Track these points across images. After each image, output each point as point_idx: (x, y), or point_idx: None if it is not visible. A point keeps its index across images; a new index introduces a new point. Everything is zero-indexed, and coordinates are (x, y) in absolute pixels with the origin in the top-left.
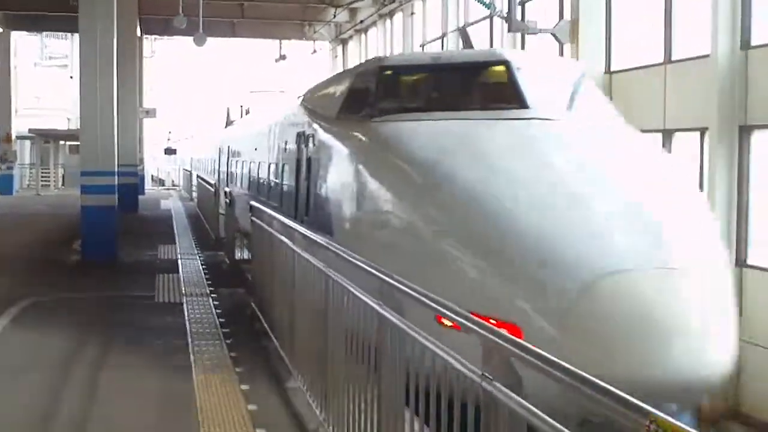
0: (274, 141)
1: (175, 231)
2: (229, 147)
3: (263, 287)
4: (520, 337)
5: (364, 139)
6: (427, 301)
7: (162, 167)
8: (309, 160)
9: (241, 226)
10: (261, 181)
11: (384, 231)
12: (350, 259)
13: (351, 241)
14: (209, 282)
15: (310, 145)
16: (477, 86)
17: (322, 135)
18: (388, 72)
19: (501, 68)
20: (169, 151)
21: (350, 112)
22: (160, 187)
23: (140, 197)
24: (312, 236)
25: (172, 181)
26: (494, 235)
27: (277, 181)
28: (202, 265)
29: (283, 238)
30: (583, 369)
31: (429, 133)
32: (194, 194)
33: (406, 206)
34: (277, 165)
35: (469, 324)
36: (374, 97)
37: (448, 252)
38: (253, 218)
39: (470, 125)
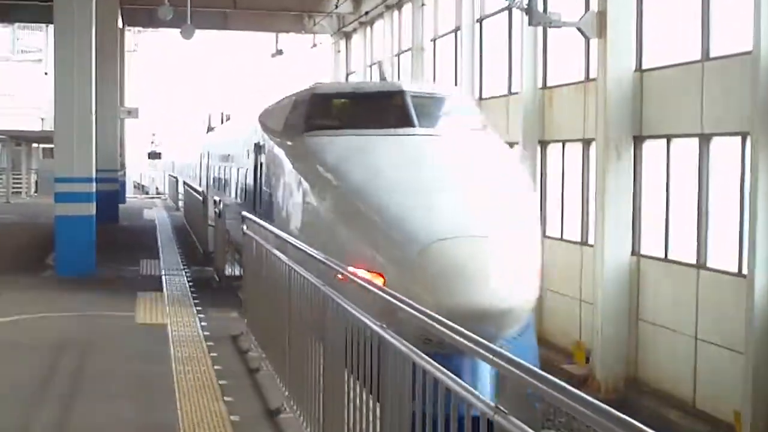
0: (239, 149)
1: (160, 244)
2: (209, 153)
3: (256, 308)
4: (384, 283)
5: (296, 148)
6: (330, 264)
7: (146, 173)
8: (261, 164)
9: (233, 238)
10: (230, 182)
11: (305, 214)
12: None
13: (284, 224)
14: (197, 301)
15: (262, 153)
16: (381, 110)
17: (269, 145)
18: (318, 98)
19: (398, 97)
20: (154, 156)
21: (290, 128)
22: (144, 195)
23: (121, 206)
24: (303, 248)
25: (157, 189)
26: (373, 214)
27: (242, 182)
28: (188, 282)
29: (277, 252)
30: (427, 302)
31: (343, 144)
32: (181, 203)
33: (319, 195)
34: (240, 169)
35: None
36: (307, 117)
37: (343, 226)
38: (246, 231)
39: (372, 139)
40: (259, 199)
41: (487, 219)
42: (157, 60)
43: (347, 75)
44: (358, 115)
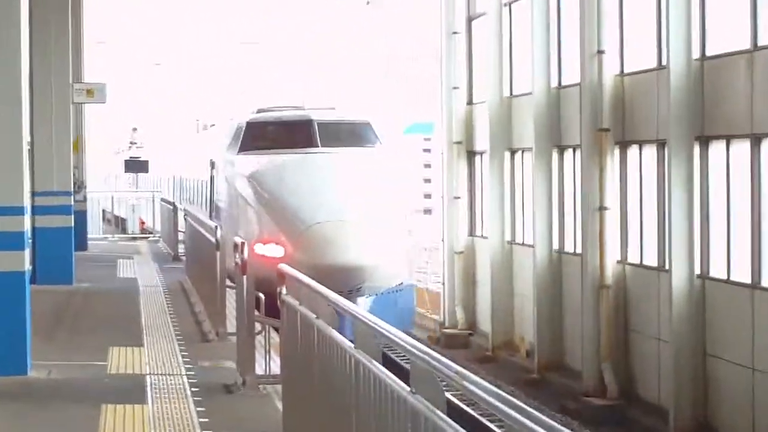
0: (202, 163)
1: (144, 321)
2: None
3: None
4: (284, 251)
5: (233, 164)
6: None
7: (123, 197)
8: (212, 177)
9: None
10: (196, 193)
11: (234, 210)
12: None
13: (224, 220)
14: (204, 420)
15: (212, 168)
16: (295, 135)
17: (216, 161)
18: (252, 125)
19: (307, 124)
20: (134, 166)
21: (230, 148)
22: (119, 236)
23: (79, 255)
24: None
25: (142, 224)
26: (279, 206)
27: (202, 191)
28: (192, 388)
29: (334, 334)
30: (308, 262)
31: (264, 160)
32: (183, 249)
33: (245, 195)
34: (203, 181)
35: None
36: (242, 139)
37: (260, 215)
38: (284, 296)
39: (286, 156)
40: (210, 204)
41: (351, 210)
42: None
43: (469, 19)
44: (278, 139)
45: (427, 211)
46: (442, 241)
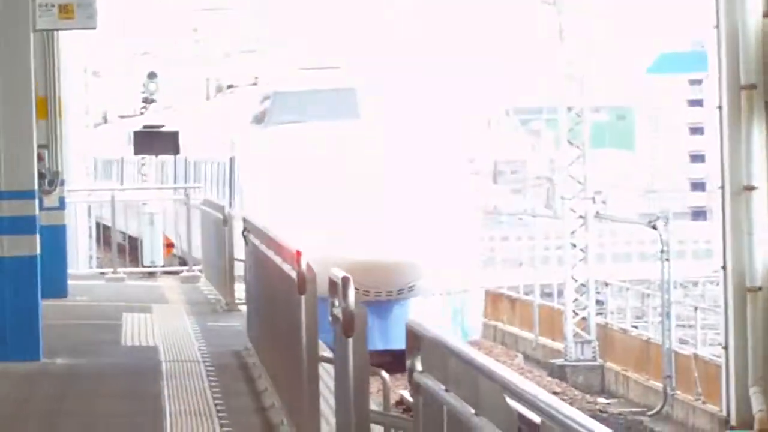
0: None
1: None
2: None
3: None
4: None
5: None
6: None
7: (133, 198)
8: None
9: None
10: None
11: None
12: None
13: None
14: None
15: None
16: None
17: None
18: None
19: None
20: (152, 143)
21: None
22: (128, 270)
23: (51, 306)
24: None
25: (168, 248)
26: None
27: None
28: None
29: None
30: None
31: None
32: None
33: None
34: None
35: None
36: None
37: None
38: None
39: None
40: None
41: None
42: None
43: None
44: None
45: (697, 213)
46: (723, 268)
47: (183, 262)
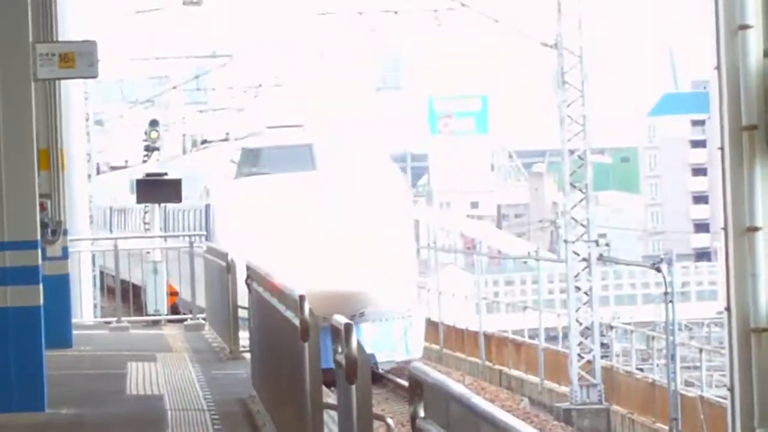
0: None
1: None
2: None
3: None
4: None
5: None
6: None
7: (136, 247)
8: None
9: None
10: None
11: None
12: None
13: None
14: None
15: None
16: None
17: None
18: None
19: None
20: (154, 191)
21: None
22: (130, 318)
23: (55, 357)
24: None
25: (172, 297)
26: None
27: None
28: None
29: None
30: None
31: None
32: (248, 342)
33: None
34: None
35: None
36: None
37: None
38: None
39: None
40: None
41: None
42: None
43: None
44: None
45: (701, 254)
46: (727, 309)
47: (186, 311)
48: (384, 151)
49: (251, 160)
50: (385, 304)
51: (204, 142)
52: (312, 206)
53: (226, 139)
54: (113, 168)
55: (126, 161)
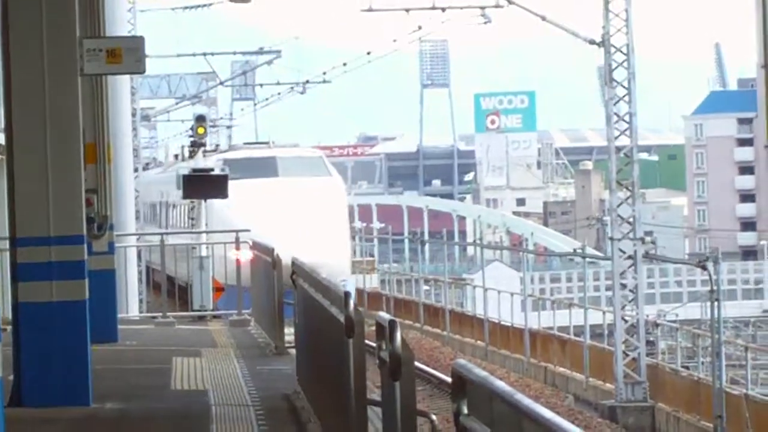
0: None
1: None
2: None
3: None
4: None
5: None
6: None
7: (182, 242)
8: None
9: None
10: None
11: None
12: None
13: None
14: None
15: None
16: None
17: None
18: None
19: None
20: (201, 187)
21: None
22: (176, 313)
23: (101, 352)
24: None
25: (218, 291)
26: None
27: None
28: None
29: None
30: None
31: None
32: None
33: None
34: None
35: None
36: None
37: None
38: None
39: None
40: None
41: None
42: None
43: None
44: None
45: (747, 253)
46: None
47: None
48: (325, 158)
49: (235, 168)
50: (334, 273)
51: (205, 151)
52: (275, 202)
53: (215, 150)
54: (159, 164)
55: (176, 156)
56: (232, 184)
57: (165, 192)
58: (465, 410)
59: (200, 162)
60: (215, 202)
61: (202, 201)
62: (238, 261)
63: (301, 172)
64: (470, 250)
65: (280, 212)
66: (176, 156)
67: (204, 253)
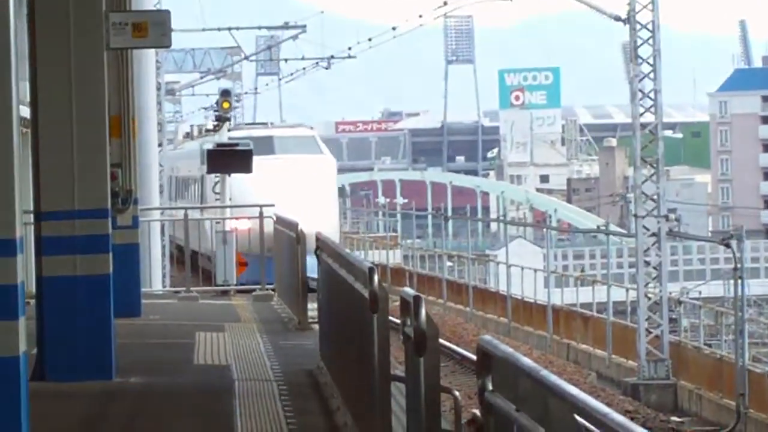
0: None
1: None
2: None
3: None
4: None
5: None
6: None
7: (206, 217)
8: None
9: None
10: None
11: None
12: None
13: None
14: None
15: None
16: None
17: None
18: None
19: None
20: (226, 161)
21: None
22: (199, 288)
23: (125, 325)
24: None
25: (241, 266)
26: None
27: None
28: None
29: None
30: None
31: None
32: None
33: None
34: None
35: None
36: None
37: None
38: None
39: None
40: None
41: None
42: None
43: None
44: None
45: None
46: None
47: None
48: (318, 137)
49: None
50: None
51: (208, 130)
52: (271, 177)
53: (217, 130)
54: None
55: (186, 134)
56: None
57: (175, 167)
58: (490, 386)
59: (224, 137)
60: (227, 178)
61: (226, 176)
62: (234, 229)
63: (296, 150)
64: (493, 226)
65: (276, 186)
66: (186, 134)
67: (227, 228)
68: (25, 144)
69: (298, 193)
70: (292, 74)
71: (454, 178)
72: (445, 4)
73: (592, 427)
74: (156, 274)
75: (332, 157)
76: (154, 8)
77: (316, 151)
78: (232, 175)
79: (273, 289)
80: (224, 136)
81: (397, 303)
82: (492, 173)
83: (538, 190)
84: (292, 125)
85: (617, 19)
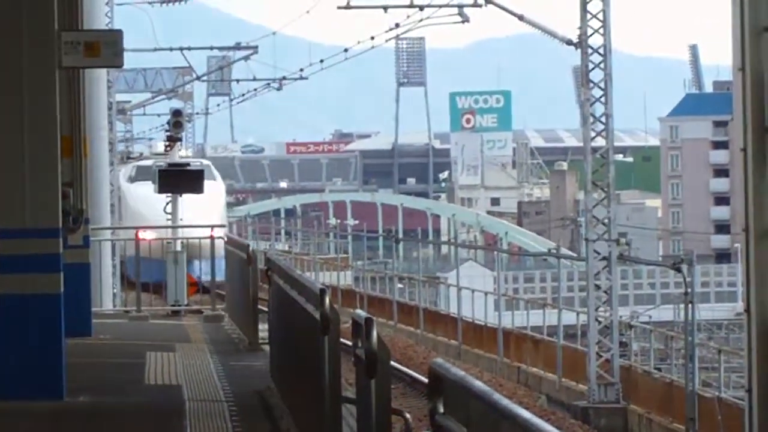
0: None
1: None
2: None
3: None
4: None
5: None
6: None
7: (157, 236)
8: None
9: None
10: None
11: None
12: None
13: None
14: None
15: None
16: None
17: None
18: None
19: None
20: (176, 182)
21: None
22: (150, 307)
23: (75, 346)
24: None
25: (192, 287)
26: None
27: None
28: None
29: None
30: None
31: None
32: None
33: None
34: None
35: None
36: None
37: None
38: None
39: None
40: None
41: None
42: None
43: None
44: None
45: (721, 256)
46: (747, 311)
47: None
48: (212, 167)
49: (141, 172)
50: (218, 250)
51: (128, 157)
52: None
53: (138, 157)
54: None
55: (141, 153)
56: (141, 185)
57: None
58: (441, 409)
59: (131, 165)
60: (129, 200)
61: (178, 197)
62: (137, 238)
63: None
64: (444, 248)
65: (173, 206)
66: (127, 157)
67: (178, 248)
68: None
69: (192, 211)
70: (243, 95)
71: (405, 200)
72: (397, 26)
73: None
74: (107, 294)
75: (222, 182)
76: (106, 28)
77: (210, 177)
78: (140, 196)
79: (223, 310)
80: (133, 164)
81: (348, 325)
82: (443, 196)
83: (488, 212)
84: (194, 158)
85: (569, 43)
